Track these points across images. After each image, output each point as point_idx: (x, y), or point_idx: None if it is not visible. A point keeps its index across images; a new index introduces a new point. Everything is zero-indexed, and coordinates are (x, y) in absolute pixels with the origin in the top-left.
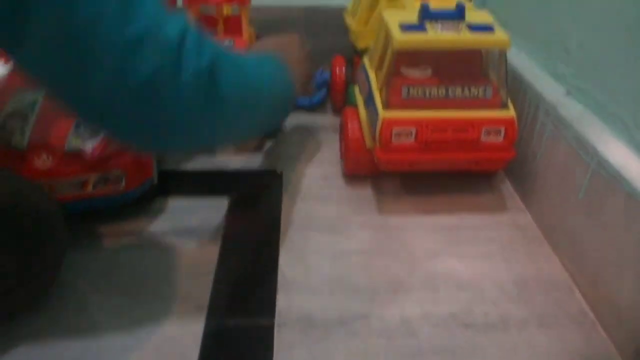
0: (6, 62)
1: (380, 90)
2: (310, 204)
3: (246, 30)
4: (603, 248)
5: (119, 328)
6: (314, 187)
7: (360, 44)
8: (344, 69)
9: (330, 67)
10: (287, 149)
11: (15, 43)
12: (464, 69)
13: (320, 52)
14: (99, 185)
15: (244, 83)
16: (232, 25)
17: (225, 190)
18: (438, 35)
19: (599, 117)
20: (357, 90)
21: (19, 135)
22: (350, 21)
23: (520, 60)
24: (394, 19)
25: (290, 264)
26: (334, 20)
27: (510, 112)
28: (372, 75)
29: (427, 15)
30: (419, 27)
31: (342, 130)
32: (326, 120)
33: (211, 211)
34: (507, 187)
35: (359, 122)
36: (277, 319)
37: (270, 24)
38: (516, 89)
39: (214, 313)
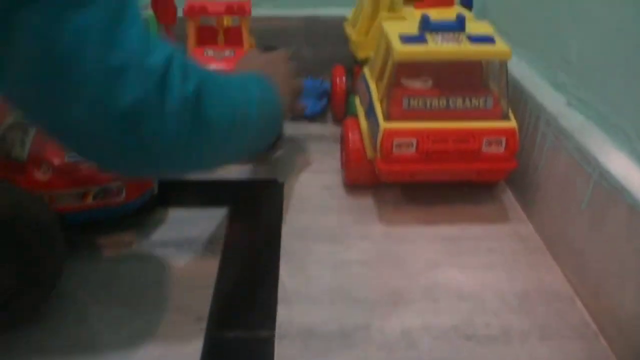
0: None
1: (381, 101)
2: (311, 214)
3: (247, 41)
4: (605, 259)
5: (118, 339)
6: (315, 197)
7: (361, 54)
8: (344, 78)
9: (331, 77)
10: (288, 158)
11: None
12: (464, 79)
13: (321, 62)
14: (99, 196)
15: (232, 107)
16: (233, 36)
17: (225, 200)
18: (438, 47)
19: (601, 128)
20: (357, 100)
21: (19, 147)
22: (351, 31)
23: (521, 70)
24: (394, 30)
25: (291, 275)
26: (334, 30)
27: (512, 123)
28: (372, 86)
29: (427, 26)
30: (420, 38)
31: (343, 140)
32: (327, 129)
33: (211, 221)
34: (509, 198)
35: (360, 132)
36: (278, 331)
37: (271, 34)
38: (517, 99)
39: (214, 325)
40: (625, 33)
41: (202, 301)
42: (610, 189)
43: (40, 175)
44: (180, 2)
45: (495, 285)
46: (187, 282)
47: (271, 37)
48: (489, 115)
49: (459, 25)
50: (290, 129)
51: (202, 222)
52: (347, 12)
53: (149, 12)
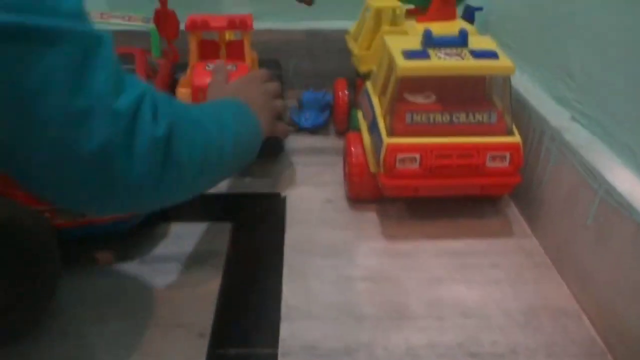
0: None
1: (384, 117)
2: (313, 228)
3: (249, 55)
4: (612, 275)
5: (117, 356)
6: (318, 211)
7: (363, 68)
8: (346, 91)
9: (333, 90)
10: (290, 172)
11: None
12: (467, 94)
13: (322, 75)
14: None
15: (205, 143)
16: (235, 50)
17: (228, 215)
18: (442, 62)
19: (605, 144)
20: (360, 115)
21: None
22: (353, 45)
23: (524, 85)
24: (396, 45)
25: (294, 291)
26: (336, 43)
27: (516, 138)
28: (375, 101)
29: (430, 42)
30: (422, 53)
31: (346, 154)
32: (329, 142)
33: (214, 236)
34: (513, 212)
35: (363, 147)
36: (281, 348)
37: (273, 48)
38: (521, 113)
39: (216, 341)
40: (629, 48)
41: (205, 317)
42: (616, 205)
43: None
44: (182, 17)
45: (500, 301)
46: (188, 298)
47: (273, 50)
48: (493, 130)
49: (461, 40)
50: (293, 141)
51: (204, 236)
52: (349, 26)
53: (151, 26)
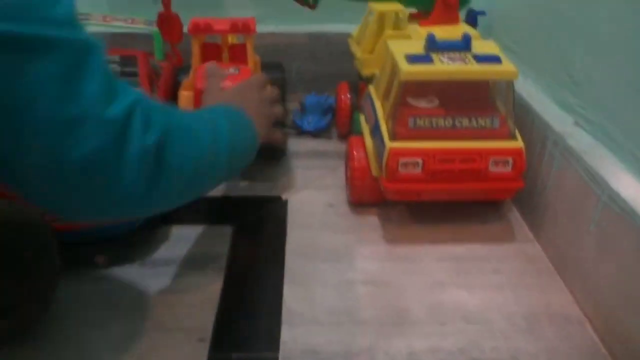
0: None
1: (387, 121)
2: (315, 232)
3: (251, 58)
4: (615, 281)
5: None
6: (319, 215)
7: (366, 71)
8: (348, 95)
9: (335, 94)
10: (292, 175)
11: None
12: (470, 99)
13: (325, 78)
14: None
15: (198, 152)
16: (238, 54)
17: (229, 218)
18: (445, 67)
19: (609, 149)
20: (362, 118)
21: None
22: (356, 48)
23: (528, 90)
24: (399, 49)
25: (295, 295)
26: (339, 46)
27: (519, 143)
28: (378, 105)
29: (433, 46)
30: (426, 57)
31: (348, 158)
32: (331, 145)
33: (215, 239)
34: (515, 216)
35: (365, 150)
36: (282, 353)
37: (276, 51)
38: (524, 118)
39: (216, 346)
40: (633, 53)
41: (205, 321)
42: (620, 212)
43: None
44: (185, 20)
45: (502, 306)
46: (189, 302)
47: (276, 53)
48: (496, 135)
49: (465, 44)
50: (295, 145)
51: (206, 240)
52: (352, 29)
53: (154, 29)
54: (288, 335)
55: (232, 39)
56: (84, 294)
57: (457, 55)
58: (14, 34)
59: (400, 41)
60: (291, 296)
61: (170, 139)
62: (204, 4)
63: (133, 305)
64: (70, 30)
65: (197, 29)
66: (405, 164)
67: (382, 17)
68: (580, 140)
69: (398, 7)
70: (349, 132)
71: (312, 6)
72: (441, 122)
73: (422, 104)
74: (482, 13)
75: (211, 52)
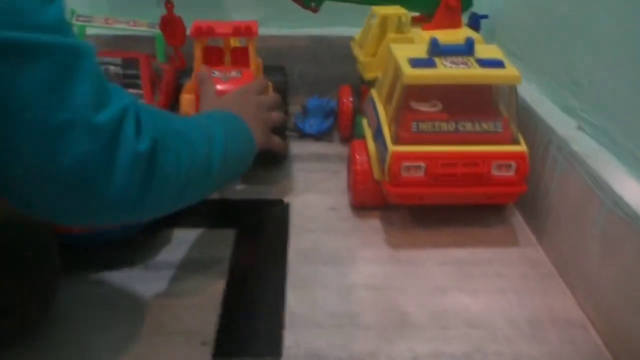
0: None
1: (390, 125)
2: (317, 235)
3: (254, 61)
4: (618, 286)
5: None
6: (321, 219)
7: (368, 75)
8: (351, 98)
9: (338, 97)
10: (294, 178)
11: None
12: (473, 103)
13: (327, 81)
14: None
15: (191, 158)
16: (240, 57)
17: (231, 221)
18: (448, 71)
19: (612, 153)
20: (365, 122)
21: None
22: (358, 52)
23: (531, 94)
24: (402, 53)
25: (297, 299)
26: (341, 49)
27: (522, 147)
28: (380, 109)
29: (436, 50)
30: (429, 61)
31: (350, 162)
32: (333, 149)
33: (217, 243)
34: (518, 220)
35: (367, 154)
36: (284, 357)
37: (278, 54)
38: (527, 122)
39: (219, 349)
40: (637, 57)
41: (207, 325)
42: (624, 216)
43: None
44: (187, 23)
45: (506, 311)
46: (191, 305)
47: (278, 56)
48: (499, 139)
49: (468, 49)
50: (297, 148)
51: (208, 243)
52: (354, 32)
53: (157, 32)
54: (291, 338)
55: (234, 42)
56: (85, 296)
57: (460, 59)
58: (4, 40)
59: (403, 45)
60: (294, 300)
61: (163, 145)
62: (206, 6)
63: (134, 308)
64: (59, 35)
65: (199, 32)
66: (408, 168)
67: (384, 20)
68: (583, 144)
69: (401, 10)
70: (351, 135)
71: (315, 9)
72: (444, 126)
73: (425, 107)
74: (485, 17)
75: (213, 55)
